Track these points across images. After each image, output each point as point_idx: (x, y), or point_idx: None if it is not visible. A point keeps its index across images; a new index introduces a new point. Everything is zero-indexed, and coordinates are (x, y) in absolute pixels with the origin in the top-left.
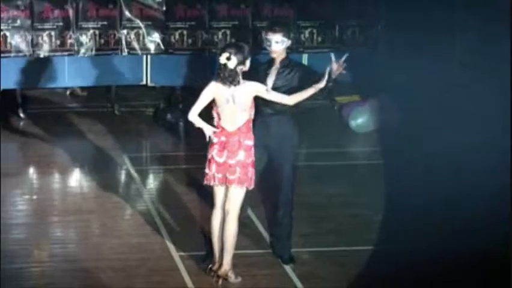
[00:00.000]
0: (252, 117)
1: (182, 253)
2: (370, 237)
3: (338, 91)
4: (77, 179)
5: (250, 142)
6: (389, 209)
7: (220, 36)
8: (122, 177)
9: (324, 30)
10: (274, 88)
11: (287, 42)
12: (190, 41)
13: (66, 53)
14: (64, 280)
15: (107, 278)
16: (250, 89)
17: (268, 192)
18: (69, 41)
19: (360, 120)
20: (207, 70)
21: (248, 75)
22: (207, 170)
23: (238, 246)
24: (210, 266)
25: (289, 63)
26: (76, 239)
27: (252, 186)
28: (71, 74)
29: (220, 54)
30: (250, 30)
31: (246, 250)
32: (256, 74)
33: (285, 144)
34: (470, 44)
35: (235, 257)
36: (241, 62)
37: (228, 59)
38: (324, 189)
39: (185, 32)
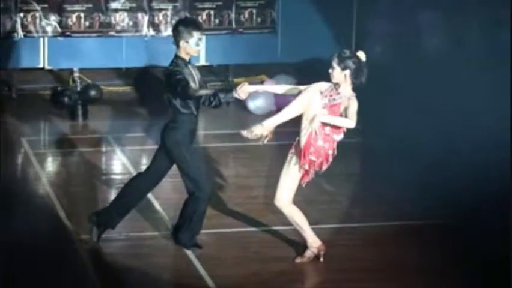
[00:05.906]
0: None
1: (81, 236)
2: (270, 218)
3: (236, 73)
4: None
5: None
6: None
7: (117, 18)
8: (20, 160)
9: (221, 12)
10: None
11: None
12: (87, 23)
13: None
14: None
15: (4, 262)
16: None
17: None
18: None
19: (259, 101)
20: None
21: None
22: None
23: (139, 229)
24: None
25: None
26: None
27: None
28: None
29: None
30: (147, 12)
31: (146, 233)
32: None
33: None
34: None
35: (138, 239)
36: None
37: None
38: (222, 171)
39: (82, 15)
